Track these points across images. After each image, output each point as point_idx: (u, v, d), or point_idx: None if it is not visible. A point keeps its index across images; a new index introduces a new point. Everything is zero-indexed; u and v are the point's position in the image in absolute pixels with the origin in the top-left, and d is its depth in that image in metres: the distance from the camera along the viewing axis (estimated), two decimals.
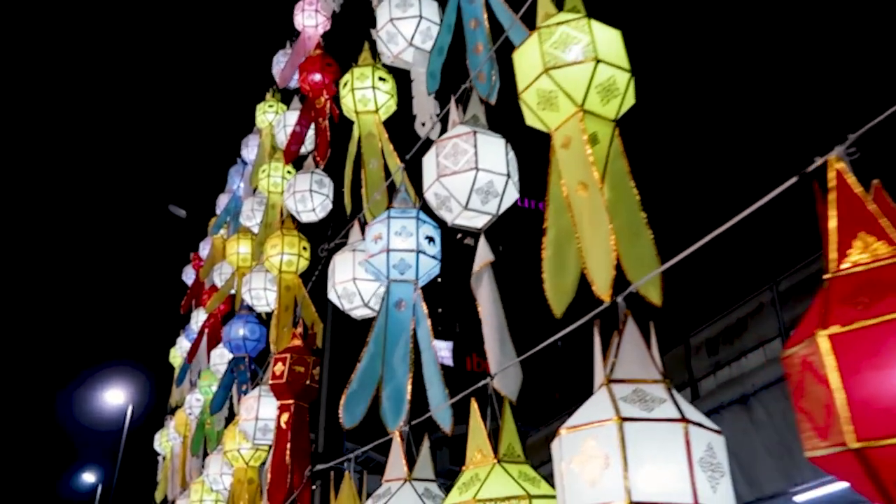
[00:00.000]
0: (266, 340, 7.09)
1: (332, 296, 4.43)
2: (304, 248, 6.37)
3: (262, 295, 6.64)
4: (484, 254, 3.34)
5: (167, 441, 9.59)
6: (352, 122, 5.55)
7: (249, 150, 8.68)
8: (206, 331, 8.76)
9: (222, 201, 9.46)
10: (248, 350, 7.04)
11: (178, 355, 10.38)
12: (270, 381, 5.14)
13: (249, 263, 7.85)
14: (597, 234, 2.30)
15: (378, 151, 5.19)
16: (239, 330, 7.08)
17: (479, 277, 3.31)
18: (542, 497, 2.57)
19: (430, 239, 3.94)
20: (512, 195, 3.33)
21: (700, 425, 1.84)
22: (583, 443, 1.85)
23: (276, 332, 6.24)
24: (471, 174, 3.23)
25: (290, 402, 5.15)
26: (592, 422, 1.86)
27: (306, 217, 6.09)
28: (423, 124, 4.75)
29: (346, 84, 5.26)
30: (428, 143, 4.53)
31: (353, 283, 4.33)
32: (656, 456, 1.77)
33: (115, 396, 20.87)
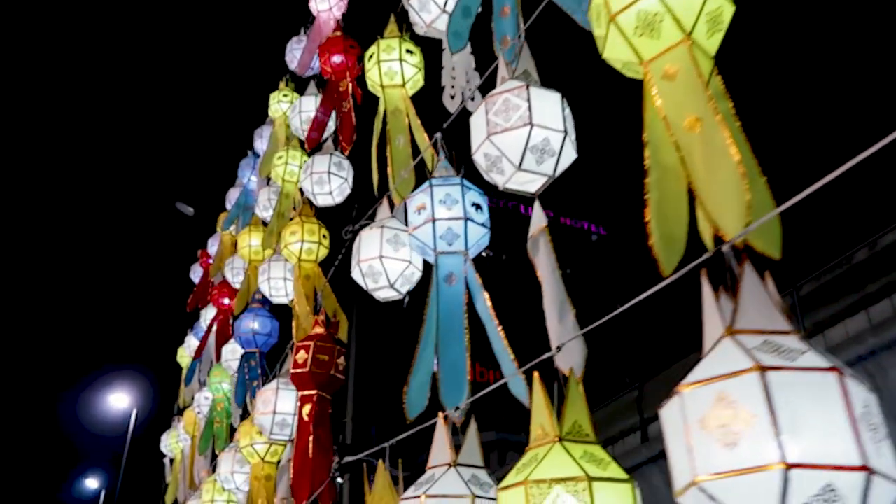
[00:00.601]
0: (278, 335, 6.78)
1: (355, 274, 4.11)
2: (325, 237, 6.06)
3: (281, 286, 6.33)
4: (539, 219, 3.03)
5: (176, 442, 9.24)
6: (372, 105, 5.28)
7: (263, 142, 8.39)
8: (216, 327, 8.44)
9: (232, 196, 9.17)
10: (258, 345, 6.71)
11: (186, 355, 10.06)
12: (292, 371, 4.82)
13: (261, 256, 7.55)
14: (719, 173, 2.00)
15: (405, 127, 4.89)
16: (250, 324, 6.76)
17: (535, 244, 3.00)
18: (604, 480, 2.23)
19: (478, 206, 3.64)
20: (570, 154, 3.03)
21: (854, 378, 1.53)
22: (714, 400, 1.54)
23: (296, 323, 5.93)
24: (524, 130, 2.92)
25: (313, 392, 4.83)
26: (723, 374, 1.54)
27: (323, 200, 5.78)
28: (452, 97, 4.47)
29: (371, 56, 4.97)
30: (460, 117, 4.26)
31: (380, 262, 4.01)
32: (811, 411, 1.46)
33: (118, 400, 20.35)
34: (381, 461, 3.51)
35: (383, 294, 4.11)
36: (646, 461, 13.23)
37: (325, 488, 4.64)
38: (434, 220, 3.60)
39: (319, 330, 5.02)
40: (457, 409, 3.26)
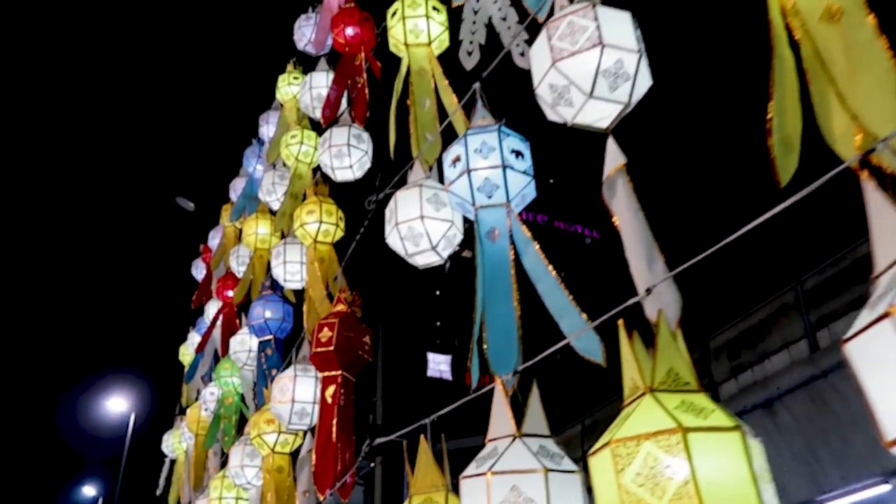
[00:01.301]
0: (292, 319, 6.41)
1: (392, 239, 3.75)
2: (341, 219, 5.72)
3: (297, 270, 5.96)
4: (615, 156, 2.67)
5: (179, 442, 8.82)
6: (390, 78, 4.94)
7: (269, 128, 8.03)
8: (221, 320, 8.05)
9: (237, 186, 8.80)
10: (272, 331, 6.33)
11: (188, 353, 9.65)
12: (314, 350, 4.45)
13: (269, 245, 7.18)
14: (866, 69, 1.67)
15: (430, 89, 4.55)
16: (261, 311, 6.38)
17: (611, 185, 2.64)
18: (704, 430, 1.90)
19: (518, 153, 3.28)
20: (645, 79, 2.67)
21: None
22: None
23: (308, 307, 5.56)
24: (595, 52, 2.58)
25: (338, 373, 4.46)
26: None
27: (342, 175, 5.41)
28: (470, 53, 4.14)
29: (394, 13, 4.63)
30: (495, 75, 3.91)
31: (421, 223, 3.65)
32: None
33: (116, 404, 19.55)
34: (423, 436, 3.15)
35: (424, 259, 3.74)
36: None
37: (347, 477, 4.27)
38: (469, 172, 3.26)
39: (342, 307, 4.65)
40: (514, 373, 2.90)
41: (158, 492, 9.23)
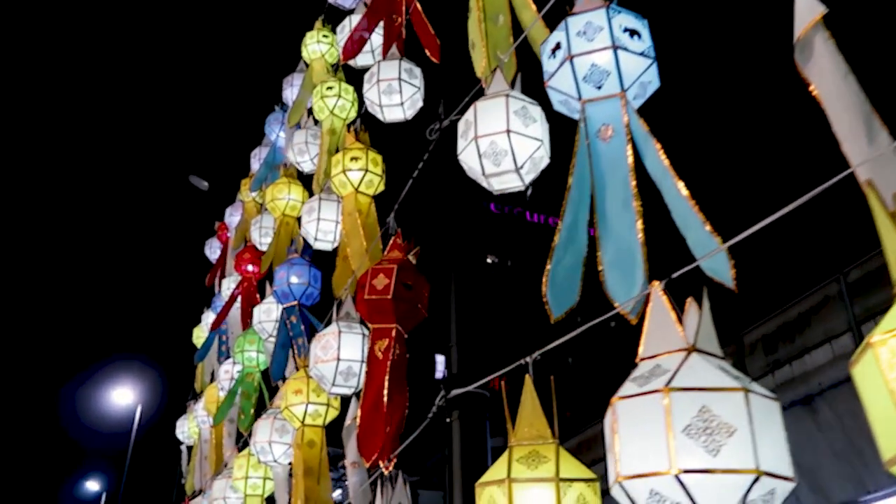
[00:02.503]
0: (320, 285, 5.80)
1: (467, 154, 3.10)
2: (384, 172, 5.11)
3: (331, 229, 5.36)
4: (810, 7, 2.02)
5: (195, 427, 8.16)
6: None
7: (293, 91, 7.43)
8: (241, 294, 7.43)
9: (260, 155, 8.19)
10: (297, 297, 5.71)
11: (202, 335, 9.03)
12: (366, 297, 3.82)
13: (297, 212, 6.59)
14: None
15: (504, 4, 3.93)
16: (284, 275, 5.76)
17: (806, 46, 2.00)
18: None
19: (634, 32, 2.65)
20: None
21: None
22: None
23: (340, 265, 4.95)
24: None
25: (392, 325, 3.83)
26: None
27: (391, 114, 4.79)
28: None
29: None
30: None
31: (506, 138, 3.01)
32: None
33: (122, 395, 18.48)
34: (527, 377, 2.54)
35: (503, 182, 3.11)
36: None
37: (393, 440, 3.65)
38: (572, 59, 2.64)
39: (398, 254, 4.03)
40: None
41: (184, 481, 8.55)
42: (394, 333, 3.81)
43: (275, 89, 7.95)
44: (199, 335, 9.09)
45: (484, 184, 3.18)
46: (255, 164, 8.25)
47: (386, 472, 3.53)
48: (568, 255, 2.61)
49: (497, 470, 2.26)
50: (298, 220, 6.62)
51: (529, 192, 3.20)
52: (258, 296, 7.14)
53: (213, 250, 9.58)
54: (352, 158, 4.91)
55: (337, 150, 5.39)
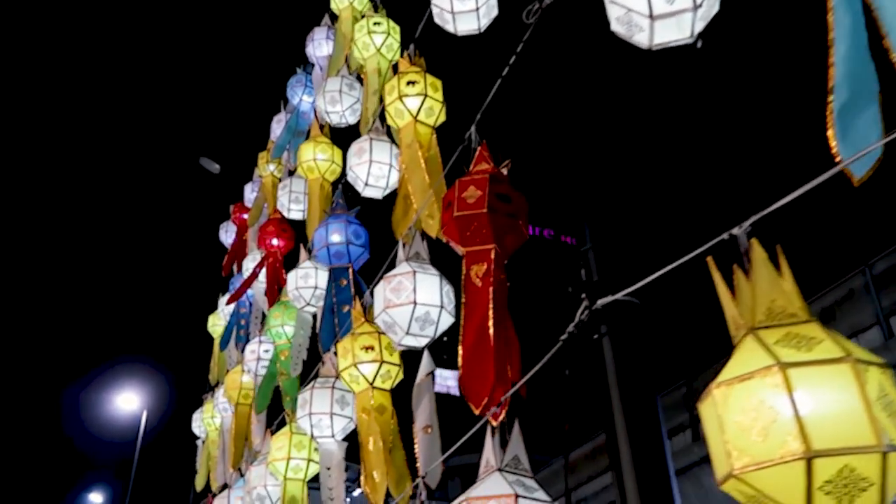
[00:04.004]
0: (368, 243, 5.08)
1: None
2: (444, 102, 4.41)
3: (384, 173, 4.66)
4: None
5: (212, 418, 7.34)
6: None
7: (315, 46, 6.74)
8: (266, 270, 6.66)
9: (281, 120, 7.48)
10: (351, 259, 4.99)
11: (218, 323, 8.24)
12: (456, 214, 3.11)
13: (336, 171, 5.89)
14: None
15: None
16: (336, 234, 5.02)
17: None
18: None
19: None
20: None
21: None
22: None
23: (401, 206, 4.24)
24: None
25: (489, 246, 3.11)
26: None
27: (464, 24, 4.09)
28: None
29: None
30: None
31: None
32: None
33: (127, 400, 16.80)
34: (753, 241, 1.84)
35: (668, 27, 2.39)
36: (698, 461, 11.86)
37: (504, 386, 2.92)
38: None
39: (486, 166, 3.32)
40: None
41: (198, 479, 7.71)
42: (492, 255, 3.09)
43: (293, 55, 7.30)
44: (216, 322, 8.30)
45: (645, 38, 2.44)
46: (276, 133, 7.54)
47: (495, 422, 2.78)
48: (853, 95, 1.91)
49: (749, 360, 1.59)
50: (333, 184, 5.96)
51: (700, 43, 2.46)
52: (284, 272, 6.39)
53: (228, 235, 8.81)
54: (408, 83, 4.22)
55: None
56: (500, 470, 2.57)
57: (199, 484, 7.32)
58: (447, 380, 24.93)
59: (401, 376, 4.06)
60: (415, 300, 3.46)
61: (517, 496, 2.41)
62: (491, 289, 3.02)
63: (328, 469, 4.44)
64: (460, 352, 2.99)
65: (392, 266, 3.76)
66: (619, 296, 2.42)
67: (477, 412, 2.82)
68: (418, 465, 3.49)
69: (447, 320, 3.56)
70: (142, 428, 14.46)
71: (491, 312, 2.96)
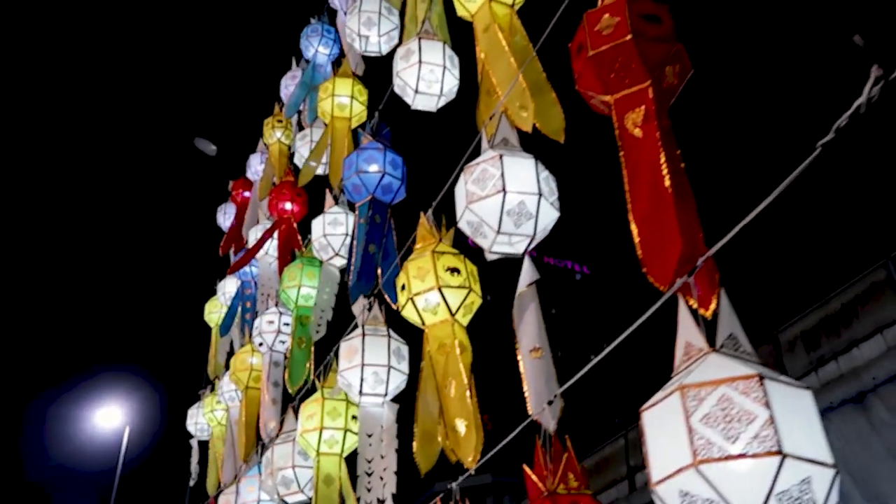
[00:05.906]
0: (405, 177, 4.15)
1: None
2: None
3: (437, 77, 3.78)
4: None
5: (212, 412, 6.26)
6: None
7: None
8: (278, 237, 5.70)
9: (291, 79, 6.58)
10: (370, 191, 4.04)
11: (215, 311, 7.20)
12: (592, 53, 2.19)
13: (363, 111, 4.99)
14: None
15: None
16: (371, 163, 4.07)
17: None
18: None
19: None
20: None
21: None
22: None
23: (485, 101, 3.32)
24: None
25: (644, 84, 2.21)
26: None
27: None
28: None
29: None
30: None
31: None
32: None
33: (107, 416, 14.06)
34: None
35: None
36: None
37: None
38: None
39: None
40: None
41: (192, 482, 6.61)
42: (650, 94, 2.17)
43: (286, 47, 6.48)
44: (212, 310, 7.27)
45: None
46: (286, 92, 6.65)
47: (691, 302, 1.86)
48: None
49: None
50: (353, 132, 5.06)
51: None
52: (301, 238, 5.45)
53: (227, 217, 7.84)
54: None
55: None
56: (717, 351, 1.87)
57: (212, 487, 6.12)
58: None
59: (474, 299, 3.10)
60: (504, 188, 2.54)
61: (761, 377, 1.71)
62: (658, 135, 2.09)
63: (369, 436, 3.44)
64: (633, 226, 2.06)
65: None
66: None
67: (663, 289, 1.89)
68: (527, 397, 2.50)
69: (549, 214, 2.66)
70: (124, 445, 12.42)
71: (664, 164, 2.04)
